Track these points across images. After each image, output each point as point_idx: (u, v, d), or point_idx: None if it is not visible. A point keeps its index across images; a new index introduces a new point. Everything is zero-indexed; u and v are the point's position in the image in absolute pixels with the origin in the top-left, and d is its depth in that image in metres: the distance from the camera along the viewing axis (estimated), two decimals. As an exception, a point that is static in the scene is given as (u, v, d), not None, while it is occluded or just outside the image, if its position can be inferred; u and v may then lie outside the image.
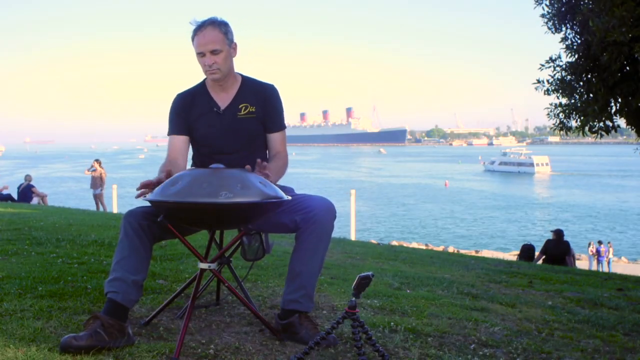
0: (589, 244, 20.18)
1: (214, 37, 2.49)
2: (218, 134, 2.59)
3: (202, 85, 2.67)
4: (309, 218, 2.42)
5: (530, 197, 45.38)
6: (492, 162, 75.04)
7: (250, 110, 2.61)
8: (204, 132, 2.61)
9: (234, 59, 2.62)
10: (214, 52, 2.50)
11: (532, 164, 68.84)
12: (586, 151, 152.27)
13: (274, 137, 2.68)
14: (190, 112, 2.63)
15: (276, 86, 2.71)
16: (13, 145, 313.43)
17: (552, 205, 39.01)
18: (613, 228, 29.74)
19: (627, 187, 51.81)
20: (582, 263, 18.79)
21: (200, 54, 2.52)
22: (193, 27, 2.53)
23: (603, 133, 5.37)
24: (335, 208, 2.49)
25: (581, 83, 5.26)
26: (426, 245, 21.42)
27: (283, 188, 2.49)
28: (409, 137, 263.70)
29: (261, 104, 2.63)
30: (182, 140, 2.65)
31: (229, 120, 2.59)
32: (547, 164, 69.79)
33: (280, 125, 2.69)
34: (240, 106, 2.61)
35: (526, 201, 41.72)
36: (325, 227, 2.44)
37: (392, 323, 2.77)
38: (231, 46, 2.56)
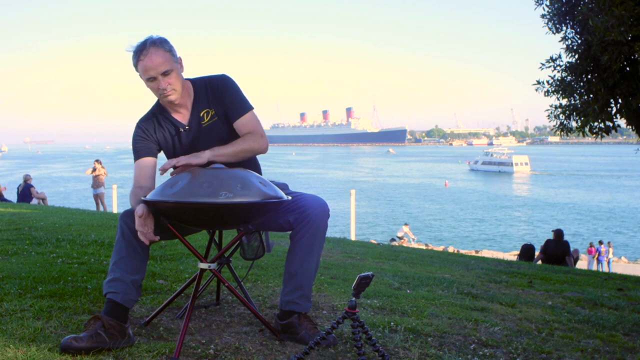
0: (590, 245, 20.17)
1: (161, 57, 2.35)
2: (191, 150, 2.48)
3: (158, 107, 2.54)
4: (303, 218, 2.41)
5: (499, 194, 45.66)
6: (476, 162, 76.46)
7: (212, 114, 2.52)
8: (179, 153, 2.51)
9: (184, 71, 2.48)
10: (165, 74, 2.36)
11: (511, 164, 69.84)
12: (586, 151, 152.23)
13: (238, 124, 2.51)
14: (156, 134, 2.53)
15: (227, 74, 2.57)
16: (13, 145, 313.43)
17: (537, 206, 39.05)
18: (581, 226, 29.80)
19: (609, 186, 51.99)
20: (581, 263, 18.77)
21: (151, 79, 2.37)
22: (132, 53, 2.38)
23: (603, 134, 5.38)
24: (328, 206, 2.47)
25: (581, 83, 5.27)
26: (426, 245, 21.43)
27: (277, 184, 2.47)
28: (409, 137, 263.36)
29: (218, 101, 2.52)
30: (150, 161, 2.51)
31: (196, 133, 2.51)
32: (526, 164, 70.90)
33: (241, 110, 2.52)
34: (201, 114, 2.51)
35: (502, 200, 41.93)
36: (320, 227, 2.43)
37: (392, 323, 2.77)
38: (178, 62, 2.44)
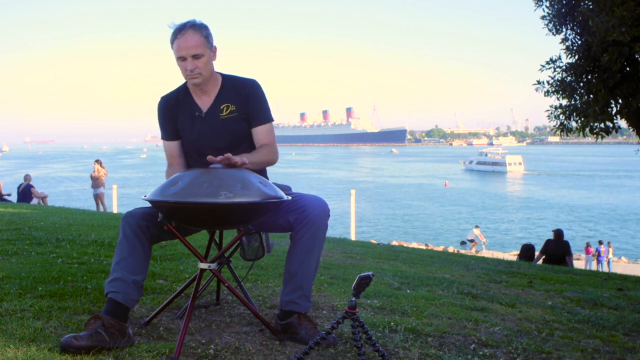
0: (587, 244, 20.17)
1: (195, 41, 2.45)
2: (202, 137, 2.57)
3: (184, 88, 2.64)
4: (303, 218, 2.41)
5: (498, 193, 45.77)
6: (471, 162, 77.18)
7: (232, 109, 2.58)
8: (189, 137, 2.61)
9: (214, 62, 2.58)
10: (195, 57, 2.46)
11: (504, 164, 70.45)
12: (586, 151, 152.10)
13: (257, 131, 2.62)
14: (175, 116, 2.63)
15: (258, 81, 2.66)
16: (14, 145, 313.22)
17: (532, 206, 39.07)
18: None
19: (609, 186, 52.10)
20: (579, 263, 18.78)
21: (181, 58, 2.48)
22: (172, 30, 2.48)
23: (604, 134, 5.38)
24: (328, 207, 2.48)
25: (581, 84, 5.27)
26: (426, 245, 21.43)
27: (280, 186, 2.48)
28: (409, 137, 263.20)
29: (243, 101, 2.59)
30: (175, 144, 2.67)
31: (212, 122, 2.57)
32: (520, 164, 71.63)
33: (263, 119, 2.63)
34: (222, 107, 2.58)
35: (501, 200, 42.01)
36: (320, 227, 2.44)
37: (392, 323, 2.77)
38: (212, 50, 2.53)
